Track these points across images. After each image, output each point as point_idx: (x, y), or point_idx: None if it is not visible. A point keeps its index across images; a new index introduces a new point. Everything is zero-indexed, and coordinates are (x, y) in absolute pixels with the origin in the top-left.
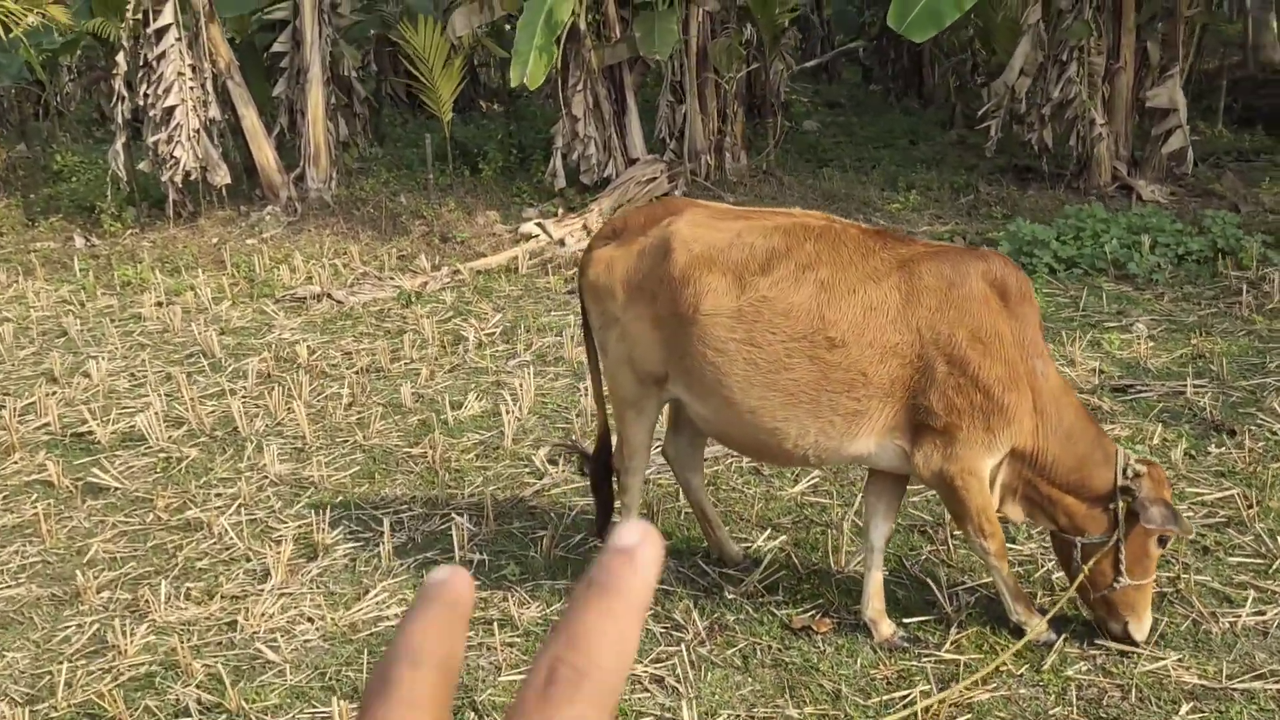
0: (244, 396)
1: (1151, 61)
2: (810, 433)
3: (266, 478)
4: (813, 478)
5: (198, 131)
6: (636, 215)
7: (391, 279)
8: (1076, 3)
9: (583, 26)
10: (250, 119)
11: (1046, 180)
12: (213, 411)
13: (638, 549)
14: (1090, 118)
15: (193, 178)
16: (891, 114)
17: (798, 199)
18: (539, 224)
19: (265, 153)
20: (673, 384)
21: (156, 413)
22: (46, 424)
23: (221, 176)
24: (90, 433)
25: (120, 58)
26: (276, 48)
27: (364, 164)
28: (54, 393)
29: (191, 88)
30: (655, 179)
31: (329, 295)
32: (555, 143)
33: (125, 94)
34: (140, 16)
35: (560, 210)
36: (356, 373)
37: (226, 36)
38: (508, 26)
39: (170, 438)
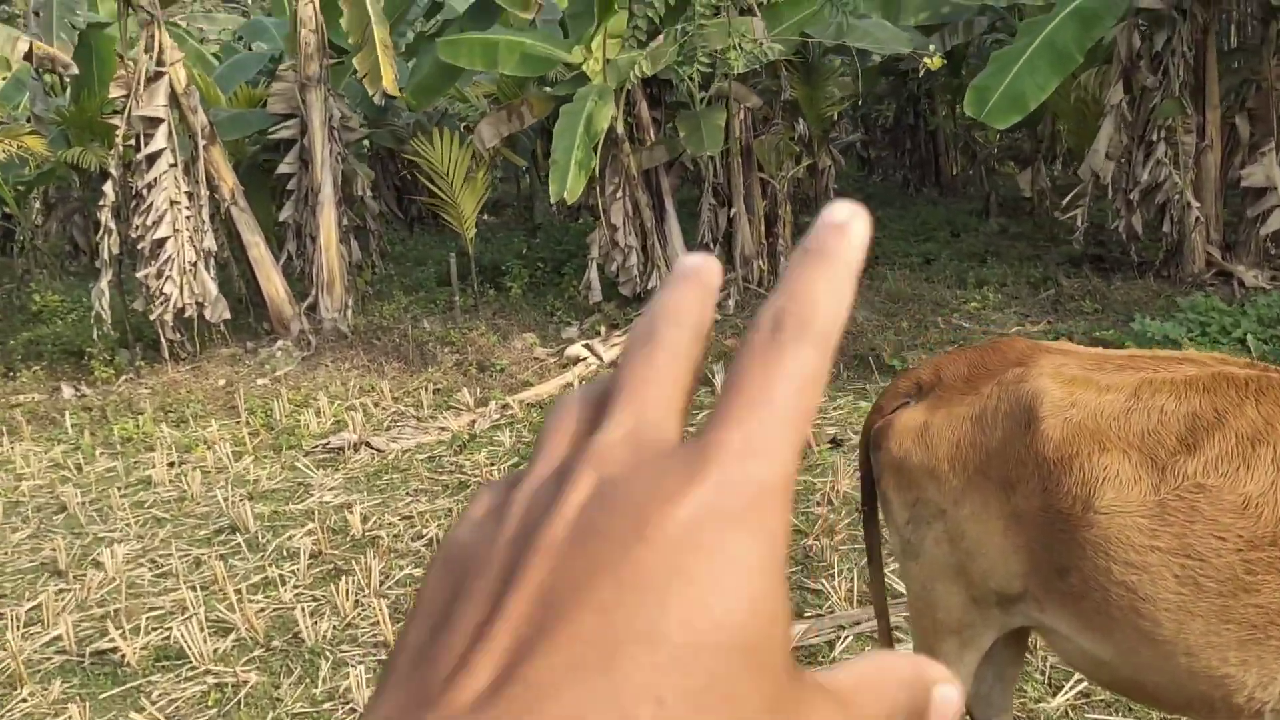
0: (298, 587)
1: (1240, 138)
2: None
3: (353, 707)
4: None
5: (193, 264)
6: (955, 363)
7: (434, 419)
8: (1164, 79)
9: (619, 130)
10: (257, 247)
11: (1135, 269)
12: (264, 610)
13: (850, 223)
14: (1185, 201)
15: (187, 314)
16: (915, 205)
17: (864, 302)
18: (586, 345)
19: (274, 282)
20: (1037, 607)
21: (194, 617)
22: (58, 639)
23: (219, 311)
24: (115, 649)
25: (108, 187)
26: (283, 169)
27: (378, 287)
28: (62, 592)
29: (187, 216)
30: None
31: (367, 444)
32: (590, 253)
33: (113, 226)
34: (131, 142)
35: (603, 328)
36: (426, 544)
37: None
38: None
39: (217, 652)
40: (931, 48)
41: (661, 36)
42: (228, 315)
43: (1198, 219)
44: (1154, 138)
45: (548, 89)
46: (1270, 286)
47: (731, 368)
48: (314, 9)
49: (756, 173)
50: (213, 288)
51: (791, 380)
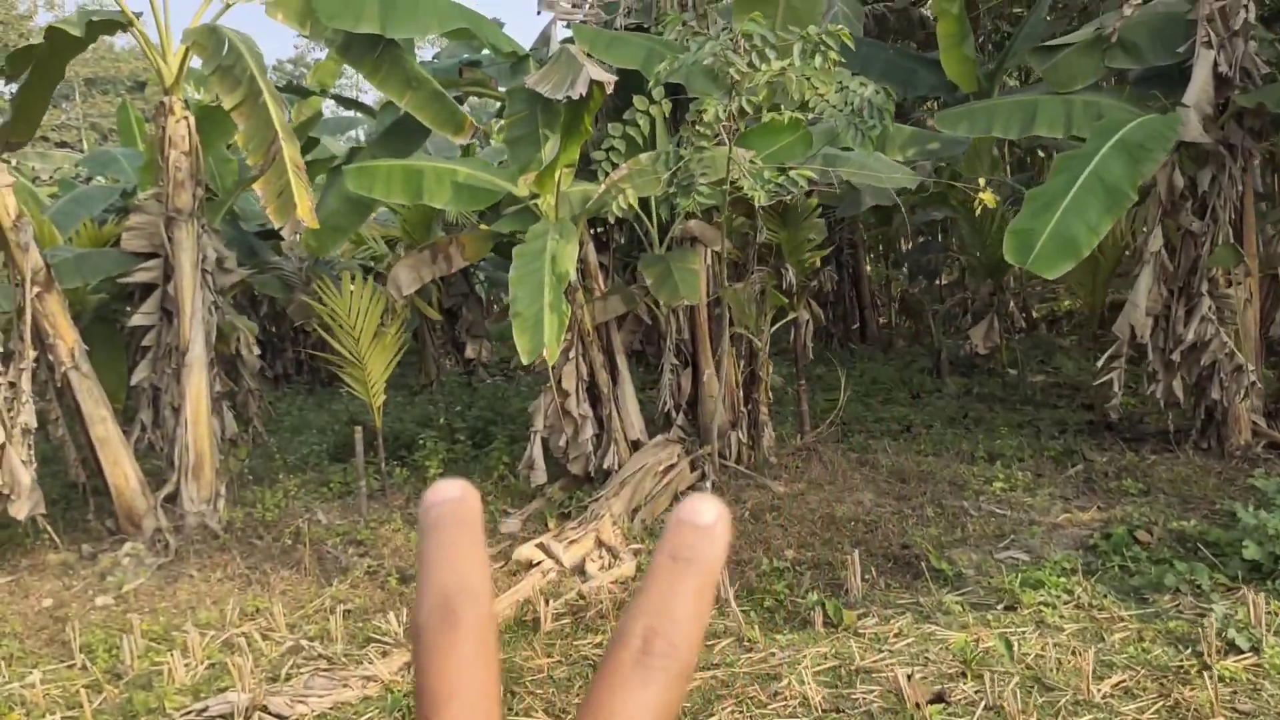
0: None
1: (1277, 290)
2: None
3: None
4: None
5: (0, 446)
6: None
7: (352, 660)
8: (1210, 225)
9: (572, 276)
10: (103, 423)
11: (1168, 440)
12: None
13: (715, 525)
14: (1237, 362)
15: None
16: (857, 362)
17: (866, 483)
18: (540, 545)
19: (122, 467)
20: None
21: None
22: None
23: (33, 506)
24: None
25: None
26: (139, 320)
27: (254, 465)
28: None
29: None
30: (674, 465)
31: (263, 710)
32: (534, 424)
33: None
34: None
35: (551, 518)
36: None
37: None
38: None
39: None
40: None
41: (624, 167)
42: (42, 510)
43: (1253, 383)
44: (1199, 289)
45: (483, 226)
46: None
47: (597, 684)
48: (188, 127)
49: (728, 327)
50: (25, 476)
51: (655, 713)
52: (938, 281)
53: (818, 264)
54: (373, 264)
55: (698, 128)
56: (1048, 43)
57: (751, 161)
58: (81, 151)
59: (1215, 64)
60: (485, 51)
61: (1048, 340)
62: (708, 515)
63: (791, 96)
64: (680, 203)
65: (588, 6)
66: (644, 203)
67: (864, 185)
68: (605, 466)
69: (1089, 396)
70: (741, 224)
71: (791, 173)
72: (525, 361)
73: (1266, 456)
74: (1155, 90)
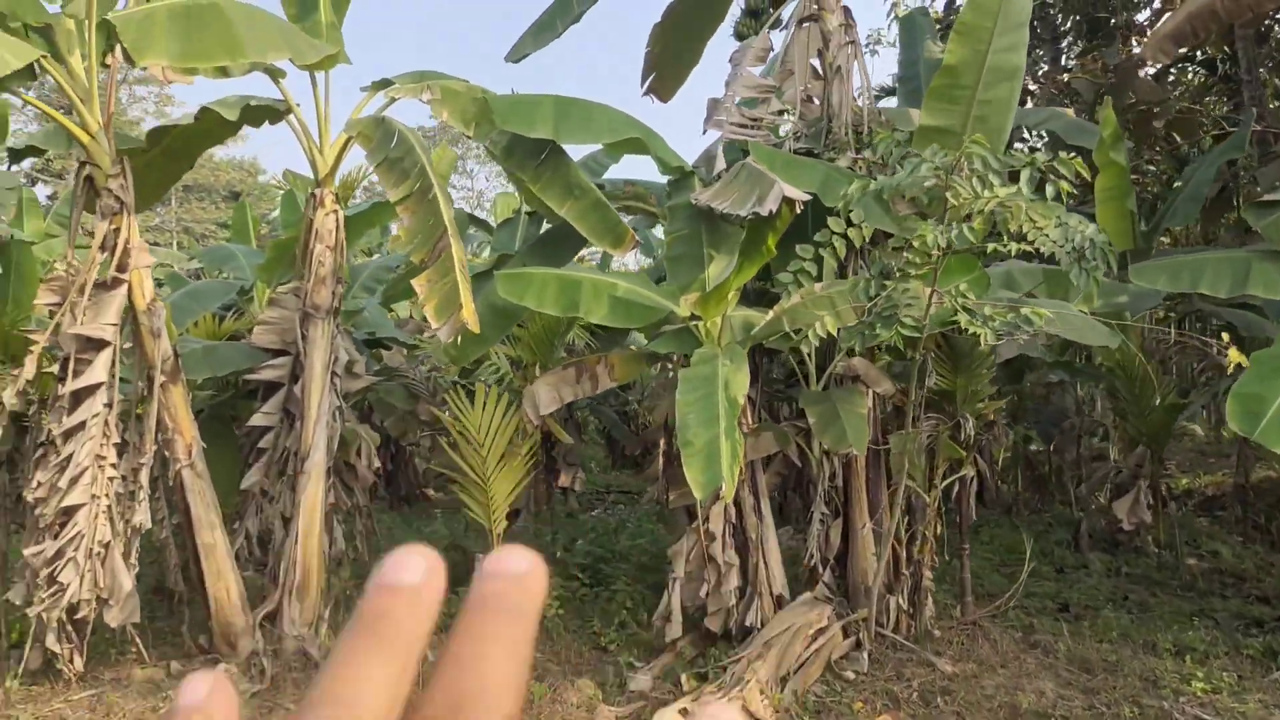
0: None
1: None
2: None
3: None
4: None
5: (104, 546)
6: None
7: None
8: None
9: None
10: (212, 530)
11: None
12: None
13: (531, 574)
14: None
15: (80, 614)
16: (986, 525)
17: (1042, 669)
18: (684, 711)
19: (225, 579)
20: None
21: None
22: None
23: (127, 613)
24: None
25: None
26: (259, 420)
27: (353, 588)
28: None
29: (111, 479)
30: (825, 628)
31: None
32: (673, 570)
33: None
34: (55, 369)
35: (684, 676)
36: None
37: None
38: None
39: None
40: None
41: (796, 295)
42: (136, 619)
43: None
44: None
45: (632, 348)
46: None
47: None
48: (337, 221)
49: (884, 478)
50: (127, 581)
51: None
52: (1078, 447)
53: (991, 416)
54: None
55: (907, 255)
56: (1265, 198)
57: (963, 295)
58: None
59: None
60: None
61: (1188, 519)
62: (520, 563)
63: (1010, 228)
64: (880, 334)
65: (756, 127)
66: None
67: (1066, 336)
68: (747, 623)
69: (1260, 587)
70: (902, 367)
71: (1024, 310)
72: (700, 496)
73: None
74: None
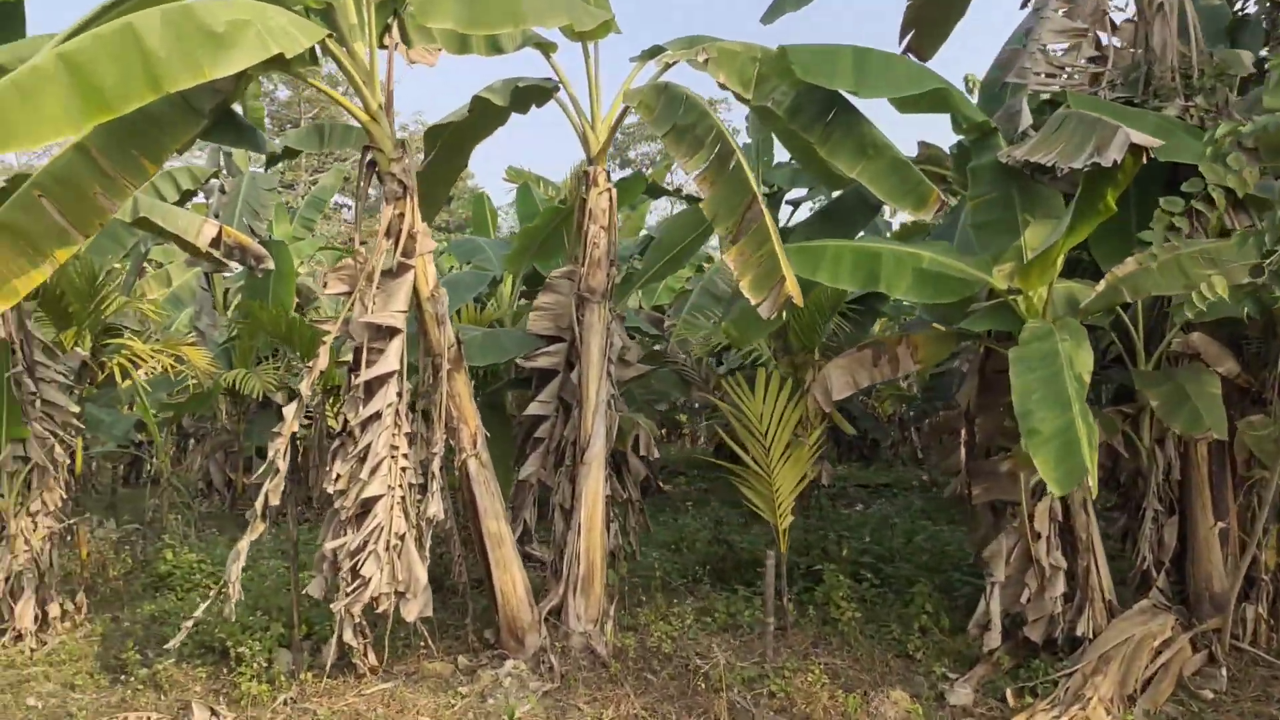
0: None
1: None
2: None
3: None
4: None
5: (400, 538)
6: None
7: None
8: None
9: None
10: (496, 520)
11: None
12: None
13: None
14: None
15: (380, 607)
16: None
17: None
18: None
19: (511, 572)
20: None
21: None
22: None
23: (421, 607)
24: None
25: (290, 411)
26: (535, 409)
27: (634, 584)
28: None
29: (405, 469)
30: (1170, 640)
31: None
32: (991, 572)
33: (280, 467)
34: (349, 360)
35: (1008, 690)
36: None
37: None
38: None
39: None
40: None
41: (1130, 262)
42: (429, 613)
43: None
44: None
45: (936, 326)
46: None
47: None
48: (610, 199)
49: (1229, 471)
50: (422, 573)
51: None
52: None
53: None
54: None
55: None
56: None
57: None
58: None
59: None
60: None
61: None
62: None
63: None
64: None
65: (1065, 75)
66: (1127, 306)
67: None
68: (1077, 633)
69: None
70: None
71: None
72: (1059, 492)
73: None
74: None
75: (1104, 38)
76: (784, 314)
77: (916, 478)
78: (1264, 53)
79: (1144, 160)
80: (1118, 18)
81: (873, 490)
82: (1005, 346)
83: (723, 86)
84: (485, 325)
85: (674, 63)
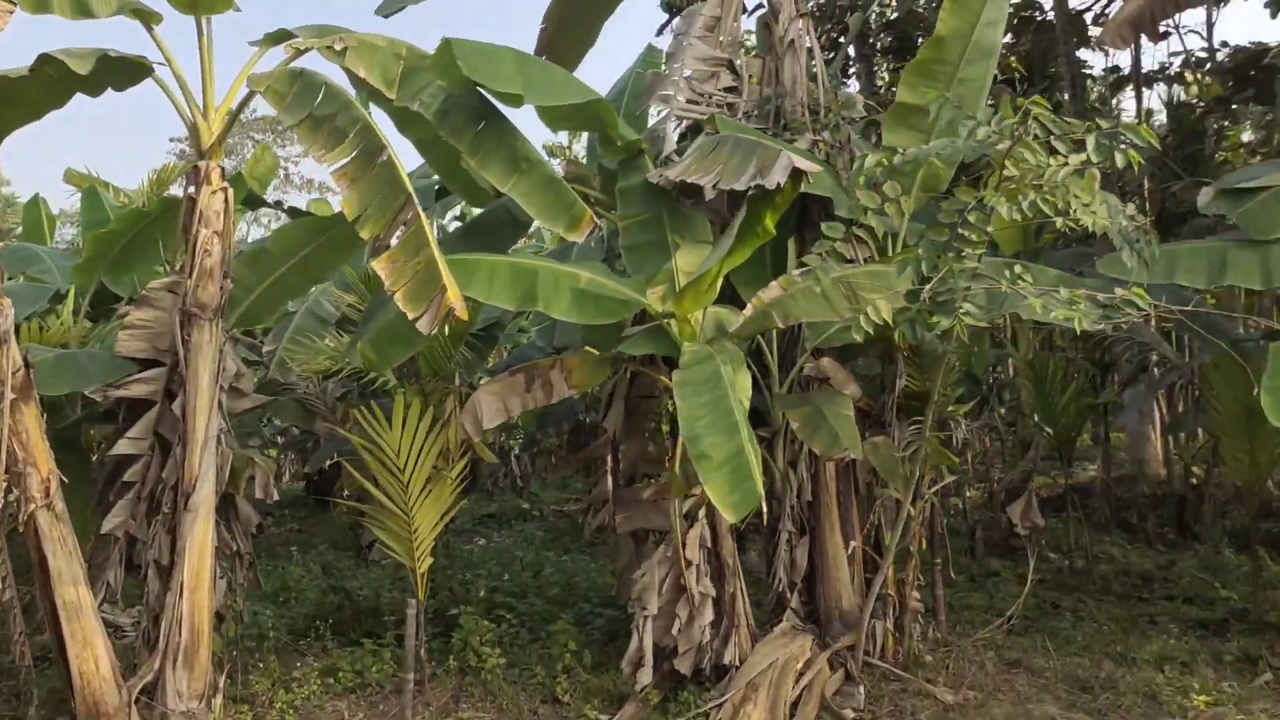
0: None
1: None
2: None
3: None
4: None
5: None
6: None
7: None
8: None
9: None
10: (74, 585)
11: None
12: None
13: None
14: None
15: None
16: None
17: (1038, 690)
18: None
19: (93, 646)
20: None
21: None
22: None
23: None
24: None
25: None
26: (125, 447)
27: (249, 645)
28: None
29: None
30: (811, 661)
31: None
32: (644, 605)
33: None
34: None
35: None
36: None
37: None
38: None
39: None
40: None
41: (775, 286)
42: None
43: None
44: None
45: (590, 350)
46: None
47: None
48: (225, 201)
49: (854, 491)
50: None
51: None
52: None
53: (960, 418)
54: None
55: (962, 231)
56: (1240, 184)
57: (1019, 278)
58: None
59: None
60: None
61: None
62: None
63: (1056, 204)
64: (941, 322)
65: (707, 103)
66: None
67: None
68: (724, 661)
69: (1175, 589)
70: (864, 366)
71: (1119, 292)
72: (734, 519)
73: None
74: None
75: (740, 69)
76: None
77: (518, 507)
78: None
79: (803, 185)
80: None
81: (479, 520)
82: (654, 371)
83: (360, 83)
84: (52, 347)
85: (306, 49)
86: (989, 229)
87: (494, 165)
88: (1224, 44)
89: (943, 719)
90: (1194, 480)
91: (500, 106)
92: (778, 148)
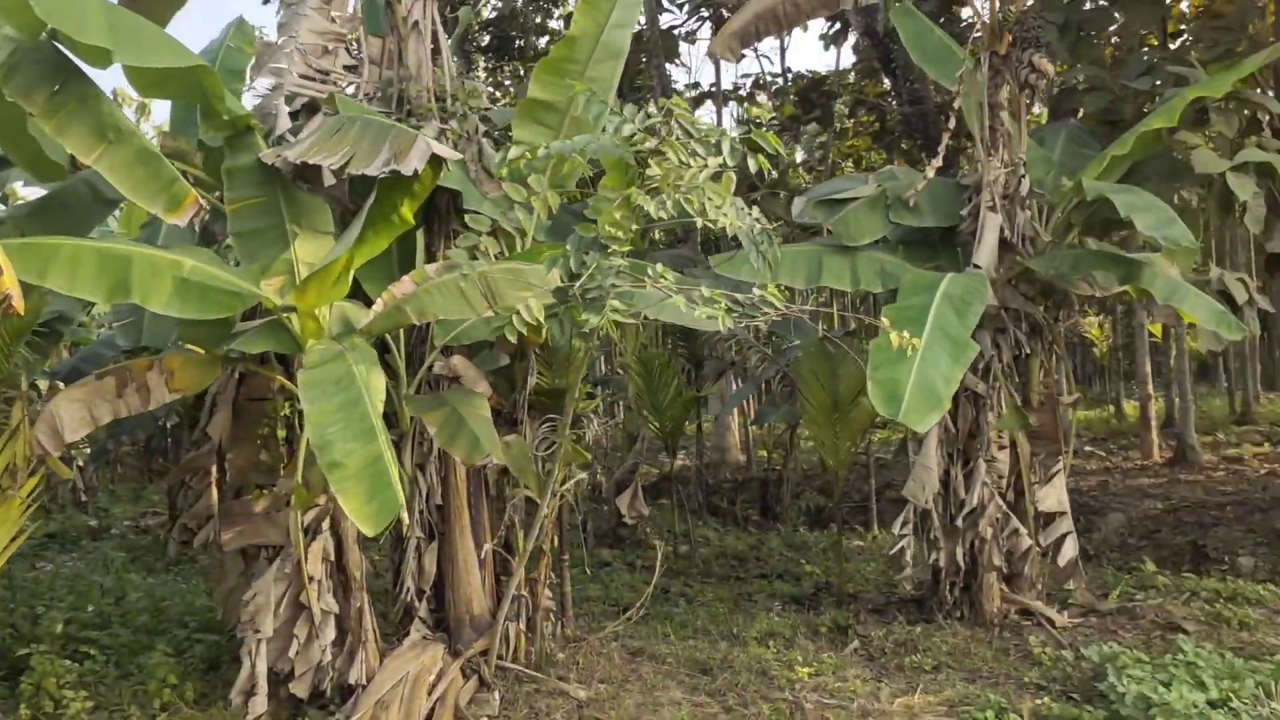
0: None
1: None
2: None
3: None
4: None
5: None
6: None
7: None
8: (994, 385)
9: None
10: None
11: (935, 609)
12: None
13: None
14: (1014, 527)
15: None
16: None
17: (663, 678)
18: None
19: None
20: None
21: None
22: None
23: None
24: None
25: None
26: None
27: None
28: None
29: None
30: (442, 671)
31: None
32: (257, 626)
33: None
34: None
35: None
36: None
37: None
38: None
39: None
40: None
41: (407, 281)
42: None
43: (1029, 548)
44: (978, 453)
45: (191, 348)
46: (1078, 623)
47: None
48: None
49: (485, 492)
50: None
51: None
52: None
53: (592, 414)
54: None
55: (608, 228)
56: (831, 196)
57: (662, 276)
58: None
59: (1001, 229)
60: None
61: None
62: None
63: (694, 204)
64: (590, 320)
65: (322, 81)
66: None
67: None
68: (350, 681)
69: (766, 566)
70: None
71: (759, 291)
72: (373, 531)
73: (1023, 623)
74: (926, 250)
75: (361, 47)
76: None
77: (86, 525)
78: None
79: (445, 171)
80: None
81: (40, 543)
82: (269, 371)
83: None
84: None
85: None
86: (634, 227)
87: (75, 133)
88: (787, 70)
89: (578, 715)
90: (773, 466)
91: (84, 66)
92: (414, 133)
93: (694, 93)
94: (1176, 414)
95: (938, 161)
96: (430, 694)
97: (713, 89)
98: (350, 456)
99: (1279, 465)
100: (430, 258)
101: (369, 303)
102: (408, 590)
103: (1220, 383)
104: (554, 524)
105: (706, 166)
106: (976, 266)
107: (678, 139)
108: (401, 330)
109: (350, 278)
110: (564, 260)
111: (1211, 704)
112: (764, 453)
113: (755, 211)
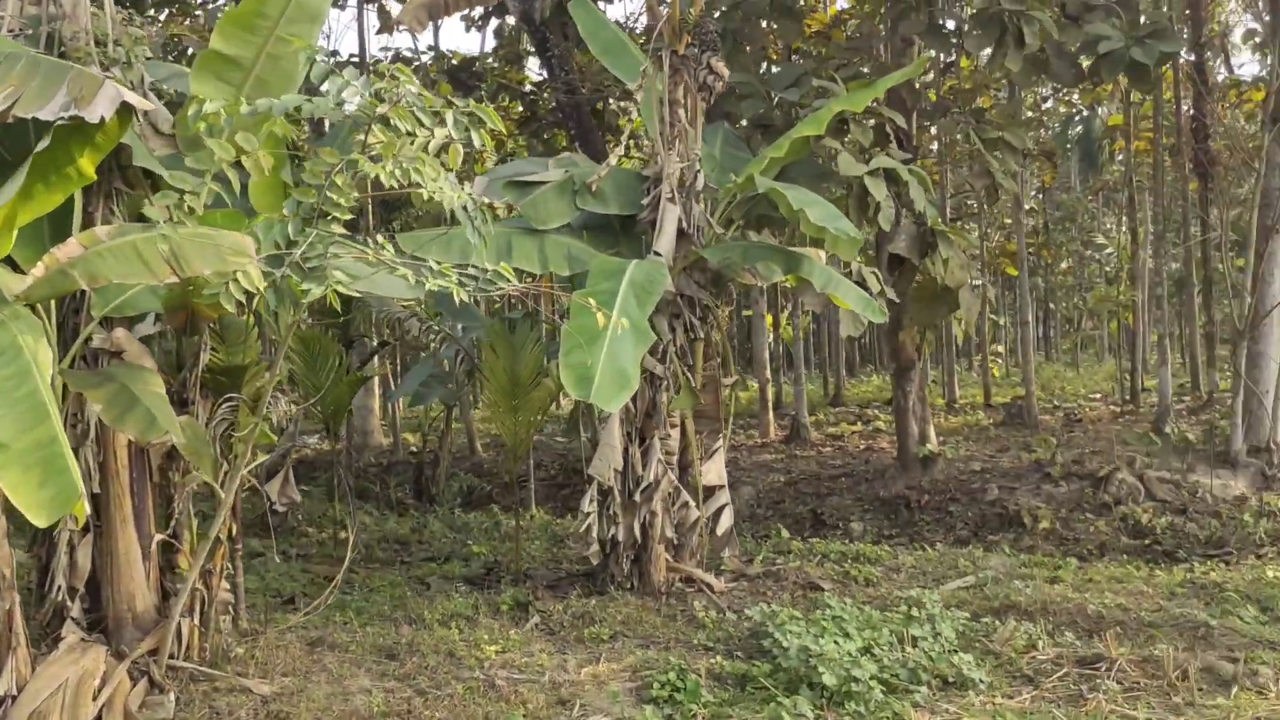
0: None
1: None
2: None
3: None
4: None
5: None
6: None
7: None
8: (669, 367)
9: None
10: None
11: (609, 582)
12: None
13: None
14: (684, 500)
15: None
16: None
17: (350, 666)
18: None
19: None
20: None
21: None
22: None
23: None
24: None
25: None
26: None
27: None
28: None
29: None
30: (106, 675)
31: None
32: None
33: None
34: None
35: None
36: None
37: None
38: None
39: None
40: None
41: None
42: None
43: (696, 520)
44: (654, 431)
45: None
46: (728, 590)
47: None
48: None
49: (149, 478)
50: None
51: None
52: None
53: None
54: None
55: (330, 194)
56: (521, 178)
57: (383, 247)
58: None
59: (679, 220)
60: None
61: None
62: None
63: (413, 177)
64: (314, 290)
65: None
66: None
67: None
68: (1, 692)
69: (431, 549)
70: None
71: (492, 267)
72: (46, 523)
73: (686, 590)
74: (610, 236)
75: None
76: None
77: None
78: None
79: (132, 124)
80: None
81: None
82: None
83: None
84: None
85: None
86: (355, 195)
87: None
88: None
89: (264, 712)
90: (428, 448)
91: None
92: (100, 76)
93: (332, 60)
94: (788, 397)
95: (620, 150)
96: (95, 700)
97: (353, 59)
98: (18, 439)
99: (874, 441)
100: (87, 218)
101: (15, 268)
102: (59, 589)
103: (813, 369)
104: (231, 512)
105: (433, 138)
106: (657, 254)
107: (406, 106)
108: (53, 301)
109: (13, 236)
110: (282, 226)
111: (860, 651)
112: (409, 436)
113: (468, 187)
